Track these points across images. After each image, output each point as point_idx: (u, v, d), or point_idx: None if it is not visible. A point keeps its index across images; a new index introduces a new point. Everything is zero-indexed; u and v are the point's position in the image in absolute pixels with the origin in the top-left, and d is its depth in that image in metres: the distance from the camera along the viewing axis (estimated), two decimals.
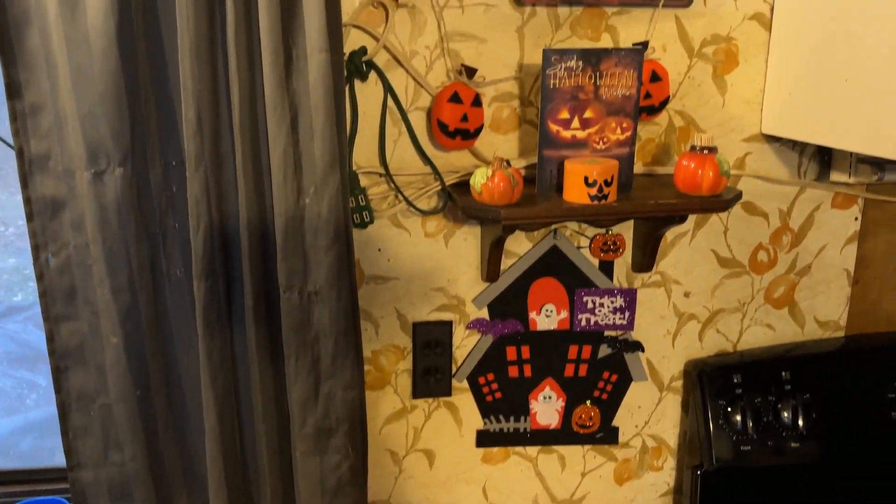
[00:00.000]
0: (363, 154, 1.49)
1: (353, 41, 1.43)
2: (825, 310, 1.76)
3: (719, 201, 1.40)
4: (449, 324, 1.61)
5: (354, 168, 1.48)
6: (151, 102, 1.28)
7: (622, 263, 1.65)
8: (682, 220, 1.50)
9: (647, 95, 1.51)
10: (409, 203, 1.51)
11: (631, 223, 1.61)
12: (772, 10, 1.55)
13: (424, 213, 1.54)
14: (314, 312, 1.33)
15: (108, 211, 1.25)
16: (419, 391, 1.64)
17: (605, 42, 1.52)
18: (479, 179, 1.36)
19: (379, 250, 1.55)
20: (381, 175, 1.51)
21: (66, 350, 1.34)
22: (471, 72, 1.47)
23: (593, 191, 1.36)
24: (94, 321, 1.32)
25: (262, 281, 1.33)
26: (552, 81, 1.39)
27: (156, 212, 1.32)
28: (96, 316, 1.31)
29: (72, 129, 1.23)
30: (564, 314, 1.66)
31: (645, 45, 1.51)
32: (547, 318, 1.65)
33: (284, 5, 1.22)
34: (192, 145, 1.24)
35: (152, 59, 1.26)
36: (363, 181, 1.49)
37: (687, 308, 1.71)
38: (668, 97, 1.54)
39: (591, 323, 1.66)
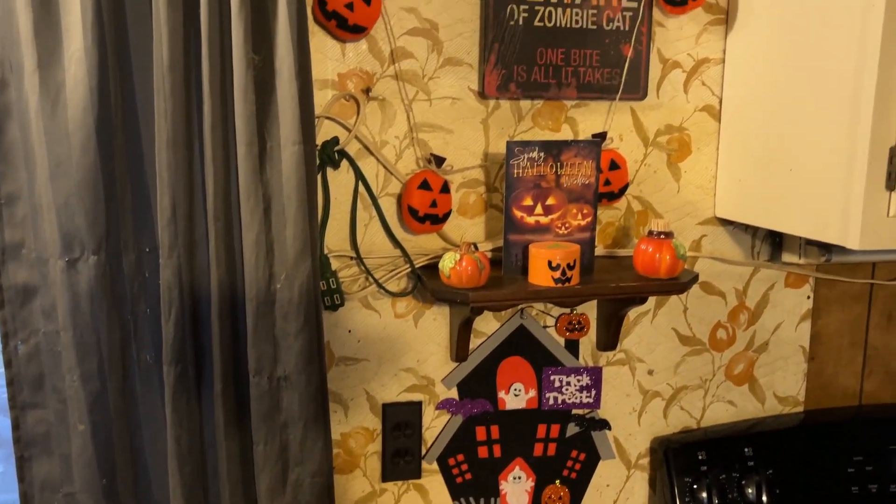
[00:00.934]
0: (335, 238, 1.53)
1: (325, 131, 1.49)
2: (784, 386, 1.82)
3: (677, 284, 1.46)
4: (419, 404, 1.63)
5: (326, 252, 1.51)
6: (127, 191, 1.31)
7: (587, 342, 1.70)
8: (643, 301, 1.56)
9: (607, 182, 1.58)
10: (380, 285, 1.54)
11: (595, 303, 1.66)
12: (720, 102, 1.66)
13: (394, 295, 1.57)
14: (283, 398, 1.34)
15: (80, 298, 1.27)
16: (389, 474, 1.64)
17: (566, 132, 1.60)
18: (447, 263, 1.41)
19: (349, 332, 1.57)
20: (351, 258, 1.54)
21: (31, 438, 1.33)
22: (439, 160, 1.53)
23: (557, 274, 1.41)
24: (61, 409, 1.31)
25: (232, 366, 1.34)
26: (516, 171, 1.46)
27: (128, 298, 1.34)
28: (64, 403, 1.31)
29: (47, 218, 1.25)
30: (533, 393, 1.68)
31: (603, 135, 1.59)
32: (515, 397, 1.68)
33: (260, 99, 1.27)
34: (167, 233, 1.27)
35: (129, 150, 1.30)
36: (334, 264, 1.53)
37: (651, 385, 1.75)
38: (627, 183, 1.62)
39: (559, 401, 1.69)
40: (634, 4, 1.55)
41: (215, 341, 1.31)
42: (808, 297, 1.78)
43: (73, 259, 1.26)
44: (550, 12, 1.52)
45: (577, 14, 1.53)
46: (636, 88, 1.60)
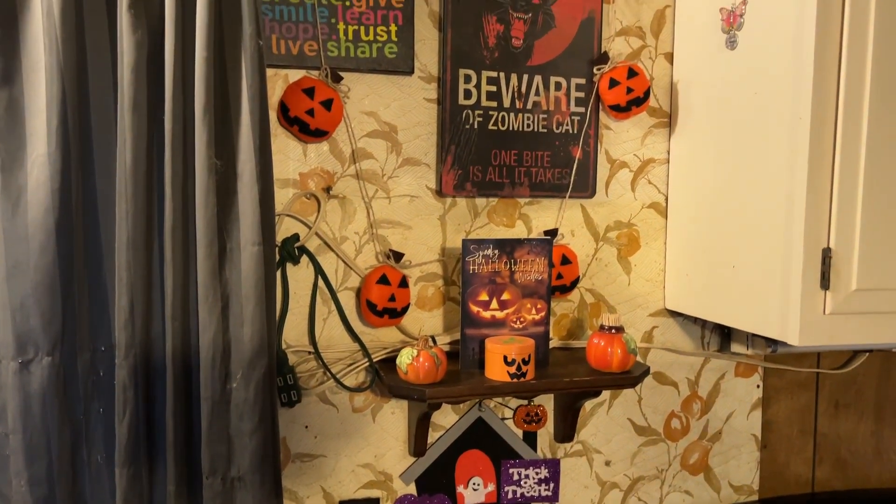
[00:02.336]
0: (293, 332, 1.54)
1: (286, 228, 1.52)
2: (738, 475, 1.84)
3: (628, 378, 1.50)
4: (376, 501, 1.61)
5: (284, 346, 1.52)
6: (85, 290, 1.31)
7: (545, 433, 1.71)
8: (597, 394, 1.59)
9: (560, 276, 1.64)
10: (337, 381, 1.55)
11: (552, 395, 1.69)
12: (666, 200, 1.74)
13: (352, 390, 1.58)
14: (237, 498, 1.32)
15: (32, 400, 1.25)
16: None
17: (520, 228, 1.66)
18: (404, 359, 1.43)
19: (306, 427, 1.56)
20: (309, 353, 1.55)
21: None
22: (398, 256, 1.57)
23: (512, 369, 1.44)
24: None
25: (186, 467, 1.32)
26: (472, 267, 1.50)
27: (81, 397, 1.32)
28: None
29: (1, 319, 1.25)
30: (492, 487, 1.68)
31: (555, 232, 1.65)
32: (474, 491, 1.67)
33: (221, 202, 1.30)
34: (124, 334, 1.27)
35: (88, 251, 1.31)
36: (292, 359, 1.54)
37: (609, 476, 1.76)
38: (579, 277, 1.68)
39: (518, 495, 1.69)
40: (582, 110, 1.64)
41: (169, 442, 1.30)
42: (758, 386, 1.83)
43: (26, 360, 1.25)
44: (504, 116, 1.60)
45: (528, 118, 1.62)
46: (585, 187, 1.67)
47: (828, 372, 1.87)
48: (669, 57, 1.71)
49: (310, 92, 1.45)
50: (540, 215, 1.67)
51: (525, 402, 1.67)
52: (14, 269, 1.24)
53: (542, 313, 1.54)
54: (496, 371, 1.45)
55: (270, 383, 1.33)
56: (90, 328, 1.33)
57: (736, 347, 1.78)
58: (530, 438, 1.70)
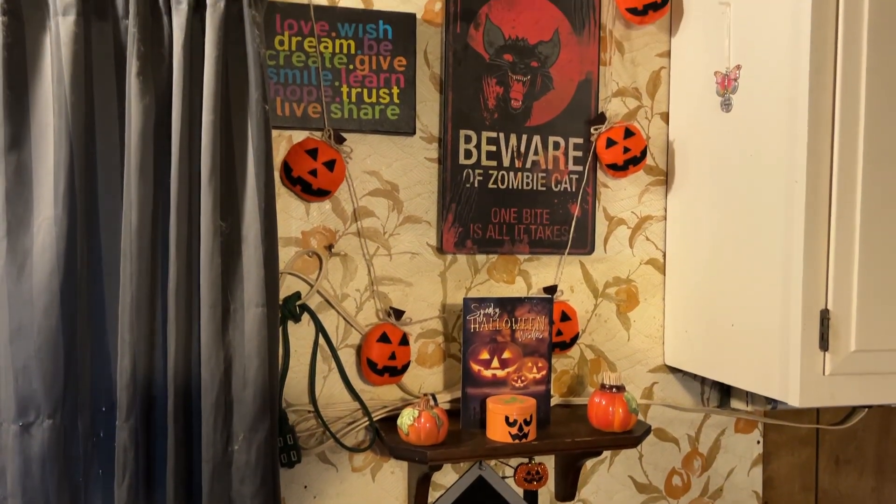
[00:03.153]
0: (293, 391, 1.54)
1: (288, 287, 1.53)
2: None
3: (630, 438, 1.49)
4: None
5: (284, 405, 1.52)
6: (87, 352, 1.32)
7: (546, 492, 1.70)
8: (598, 452, 1.58)
9: (559, 333, 1.64)
10: (337, 440, 1.54)
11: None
12: (664, 256, 1.76)
13: (352, 450, 1.57)
14: None
15: (31, 463, 1.24)
16: None
17: (519, 284, 1.67)
18: (406, 420, 1.42)
19: (305, 487, 1.55)
20: (309, 412, 1.55)
21: None
22: (398, 313, 1.58)
23: (514, 430, 1.43)
24: None
25: None
26: (472, 326, 1.51)
27: (80, 459, 1.31)
28: None
29: (3, 381, 1.24)
30: None
31: (554, 288, 1.67)
32: None
33: (225, 263, 1.32)
34: (125, 395, 1.27)
35: (92, 312, 1.32)
36: (292, 418, 1.53)
37: None
38: (578, 333, 1.68)
39: None
40: (580, 168, 1.67)
41: None
42: (759, 442, 1.83)
43: (27, 423, 1.25)
44: (503, 175, 1.63)
45: (527, 177, 1.64)
46: (584, 244, 1.69)
47: (828, 428, 1.87)
48: (665, 116, 1.75)
49: (313, 153, 1.48)
50: (539, 271, 1.68)
51: (526, 460, 1.66)
52: (18, 331, 1.24)
53: (544, 372, 1.55)
54: (498, 431, 1.45)
55: (272, 445, 1.32)
56: (92, 388, 1.33)
57: (735, 403, 1.78)
58: (531, 497, 1.69)
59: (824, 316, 1.33)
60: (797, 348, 1.33)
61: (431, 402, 1.45)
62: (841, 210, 1.32)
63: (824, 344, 1.33)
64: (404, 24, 1.56)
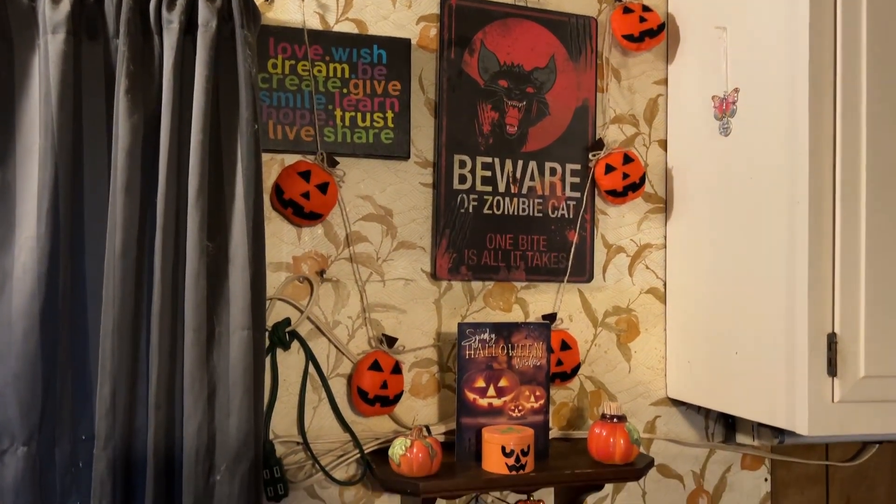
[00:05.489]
0: (281, 422, 1.48)
1: (277, 313, 1.49)
2: None
3: (632, 470, 1.43)
4: None
5: (271, 437, 1.46)
6: (68, 379, 1.27)
7: None
8: (599, 487, 1.51)
9: (559, 363, 1.59)
10: (326, 473, 1.48)
11: (552, 489, 1.61)
12: (665, 285, 1.72)
13: (342, 484, 1.50)
14: None
15: (4, 495, 1.19)
16: None
17: (516, 312, 1.63)
18: (397, 450, 1.37)
19: None
20: (298, 443, 1.49)
21: None
22: (391, 341, 1.53)
23: (511, 461, 1.38)
24: None
25: None
26: (468, 352, 1.46)
27: (57, 491, 1.26)
28: None
29: None
30: None
31: (553, 316, 1.62)
32: None
33: (211, 285, 1.28)
34: (104, 424, 1.21)
35: (74, 337, 1.27)
36: (280, 450, 1.47)
37: None
38: (579, 363, 1.63)
39: None
40: (577, 195, 1.65)
41: None
42: (766, 480, 1.76)
43: (0, 451, 1.19)
44: (499, 201, 1.60)
45: (523, 203, 1.61)
46: (582, 271, 1.65)
47: (838, 465, 1.80)
48: (663, 144, 1.73)
49: (305, 175, 1.45)
50: (537, 299, 1.64)
51: (524, 496, 1.59)
52: None
53: (542, 401, 1.49)
54: (494, 463, 1.39)
55: (256, 477, 1.27)
56: (72, 417, 1.28)
57: (741, 438, 1.72)
58: None
59: (831, 340, 1.28)
60: (804, 374, 1.28)
61: (424, 433, 1.39)
62: (845, 229, 1.29)
63: (832, 369, 1.28)
64: (399, 49, 1.55)
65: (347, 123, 1.51)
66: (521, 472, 1.38)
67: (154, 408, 1.24)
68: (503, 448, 1.38)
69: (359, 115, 1.52)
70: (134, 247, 1.25)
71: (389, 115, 1.54)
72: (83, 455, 1.28)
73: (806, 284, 1.29)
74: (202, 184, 1.27)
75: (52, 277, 1.22)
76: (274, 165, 1.49)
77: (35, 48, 1.26)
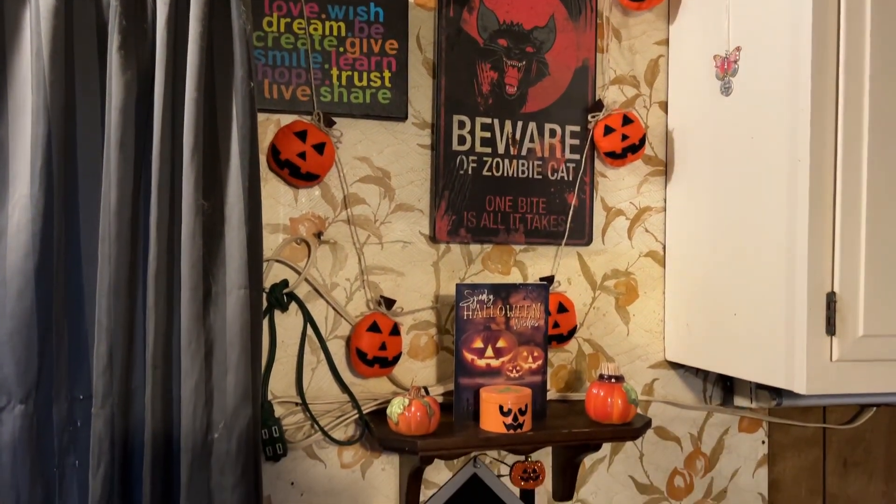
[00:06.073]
0: (280, 383, 1.48)
1: (275, 275, 1.48)
2: None
3: (630, 430, 1.44)
4: None
5: (270, 398, 1.46)
6: (64, 337, 1.26)
7: (543, 492, 1.63)
8: (598, 447, 1.52)
9: (556, 325, 1.59)
10: (325, 433, 1.48)
11: (550, 450, 1.62)
12: (664, 248, 1.71)
13: (341, 444, 1.51)
14: None
15: (1, 452, 1.18)
16: None
17: (515, 276, 1.62)
18: (395, 409, 1.37)
19: (292, 484, 1.49)
20: (297, 404, 1.49)
21: None
22: (389, 303, 1.53)
23: (508, 419, 1.38)
24: None
25: None
26: (466, 313, 1.45)
27: (55, 449, 1.25)
28: None
29: None
30: None
31: (551, 279, 1.62)
32: None
33: (207, 244, 1.27)
34: (101, 382, 1.21)
35: (69, 296, 1.26)
36: (278, 411, 1.47)
37: None
38: (576, 326, 1.63)
39: None
40: (577, 157, 1.63)
41: (146, 496, 1.23)
42: (763, 442, 1.76)
43: None
44: (498, 162, 1.59)
45: (523, 165, 1.60)
46: (581, 234, 1.64)
47: (835, 427, 1.81)
48: (664, 105, 1.71)
49: (302, 135, 1.44)
50: (535, 263, 1.63)
51: (522, 457, 1.60)
52: None
53: (539, 362, 1.49)
54: (491, 422, 1.39)
55: (254, 435, 1.26)
56: (69, 376, 1.27)
57: (739, 401, 1.72)
58: (528, 497, 1.62)
59: (831, 299, 1.28)
60: (803, 333, 1.28)
61: (422, 392, 1.39)
62: (846, 188, 1.28)
63: (831, 328, 1.28)
64: (396, 6, 1.52)
65: (344, 83, 1.50)
66: (519, 430, 1.38)
67: (151, 367, 1.24)
68: (501, 407, 1.38)
69: (355, 74, 1.50)
70: (129, 205, 1.23)
71: (387, 74, 1.52)
72: (80, 414, 1.28)
73: (806, 244, 1.28)
74: (197, 142, 1.25)
75: (46, 235, 1.21)
76: (270, 125, 1.47)
77: (26, 2, 1.24)
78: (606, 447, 1.66)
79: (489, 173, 1.58)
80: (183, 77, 1.26)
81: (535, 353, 1.49)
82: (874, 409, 1.81)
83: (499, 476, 1.60)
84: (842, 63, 1.28)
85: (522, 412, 1.38)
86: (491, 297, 1.46)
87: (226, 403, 1.25)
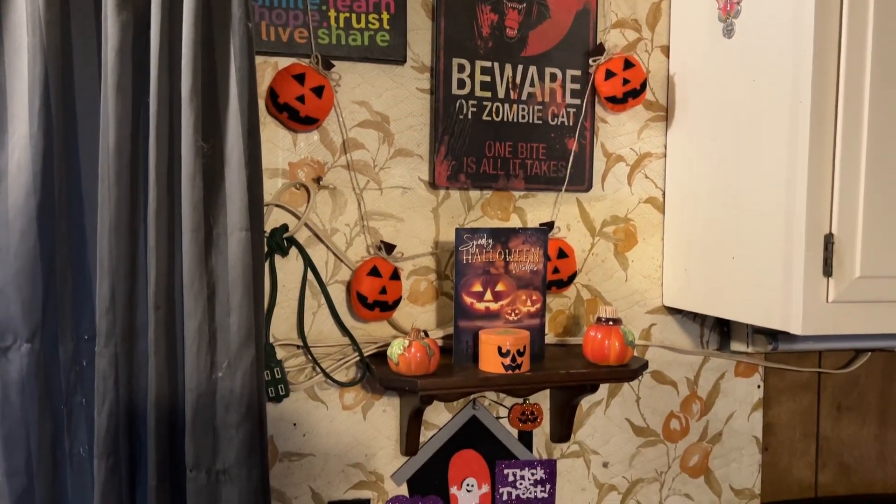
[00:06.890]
0: (281, 326, 1.50)
1: (275, 219, 1.49)
2: (739, 478, 1.79)
3: (627, 371, 1.46)
4: (367, 502, 1.56)
5: (271, 340, 1.48)
6: (68, 278, 1.28)
7: (541, 433, 1.66)
8: (594, 389, 1.54)
9: (556, 270, 1.60)
10: (327, 375, 1.51)
11: (547, 393, 1.64)
12: (664, 194, 1.71)
13: (342, 385, 1.53)
14: (223, 493, 1.27)
15: (10, 390, 1.21)
16: None
17: (514, 222, 1.62)
18: (396, 350, 1.39)
19: (294, 425, 1.52)
20: (298, 347, 1.51)
21: None
22: (389, 248, 1.53)
23: (507, 360, 1.40)
24: None
25: (168, 460, 1.27)
26: (465, 257, 1.46)
27: (62, 388, 1.28)
28: None
29: None
30: (486, 488, 1.63)
31: (551, 225, 1.62)
32: (468, 492, 1.62)
33: (207, 187, 1.27)
34: (104, 321, 1.23)
35: (72, 236, 1.28)
36: (280, 353, 1.49)
37: (606, 479, 1.71)
38: (576, 272, 1.64)
39: (513, 497, 1.64)
40: (577, 101, 1.62)
41: (151, 433, 1.26)
42: (759, 387, 1.79)
43: (4, 347, 1.21)
44: (498, 107, 1.58)
45: (523, 109, 1.59)
46: (581, 181, 1.64)
47: (830, 372, 1.83)
48: (665, 50, 1.69)
49: (300, 78, 1.43)
50: (535, 209, 1.64)
51: (520, 400, 1.62)
52: None
53: (538, 305, 1.51)
54: (490, 363, 1.41)
55: (258, 373, 1.29)
56: (73, 316, 1.29)
57: (736, 346, 1.74)
58: (526, 438, 1.66)
59: (828, 241, 1.28)
60: (800, 275, 1.29)
61: (422, 334, 1.41)
62: (847, 131, 1.27)
63: (828, 270, 1.29)
64: None
65: (342, 25, 1.48)
66: (517, 371, 1.40)
67: (153, 307, 1.25)
68: (499, 348, 1.40)
69: (353, 16, 1.48)
70: (128, 146, 1.24)
71: (385, 16, 1.50)
72: (86, 354, 1.30)
73: (805, 185, 1.28)
74: (195, 83, 1.24)
75: (47, 176, 1.21)
76: (267, 69, 1.46)
77: None
78: (604, 390, 1.68)
79: (489, 118, 1.58)
80: (179, 18, 1.25)
81: (534, 297, 1.50)
82: (868, 354, 1.83)
83: (497, 418, 1.63)
84: (845, 2, 1.26)
85: (521, 353, 1.40)
86: (490, 241, 1.47)
87: (229, 343, 1.27)
